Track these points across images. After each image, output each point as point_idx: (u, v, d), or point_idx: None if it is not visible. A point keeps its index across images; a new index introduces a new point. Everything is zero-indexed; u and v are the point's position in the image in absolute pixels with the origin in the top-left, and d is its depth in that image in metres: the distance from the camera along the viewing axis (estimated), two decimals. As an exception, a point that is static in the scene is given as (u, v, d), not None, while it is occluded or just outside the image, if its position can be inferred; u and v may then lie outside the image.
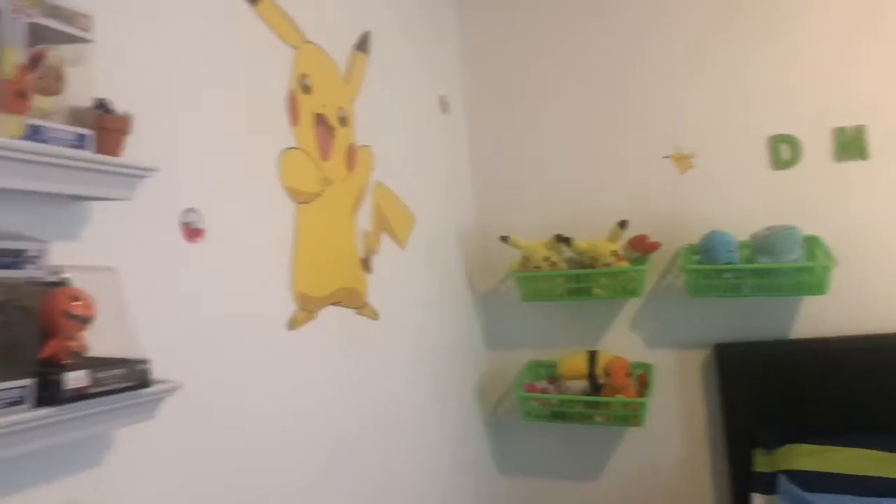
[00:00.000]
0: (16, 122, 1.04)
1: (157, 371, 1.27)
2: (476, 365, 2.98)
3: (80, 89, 1.20)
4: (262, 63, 1.87)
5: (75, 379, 1.10)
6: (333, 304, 2.07)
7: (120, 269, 1.33)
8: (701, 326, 2.75)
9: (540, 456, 3.02)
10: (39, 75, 1.10)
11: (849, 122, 2.59)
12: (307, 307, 1.94)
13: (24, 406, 1.05)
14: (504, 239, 2.78)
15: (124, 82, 1.40)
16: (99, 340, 1.21)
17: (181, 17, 1.61)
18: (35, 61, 1.09)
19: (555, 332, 2.96)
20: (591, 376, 2.72)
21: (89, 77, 1.20)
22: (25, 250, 1.05)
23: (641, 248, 2.71)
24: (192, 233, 1.56)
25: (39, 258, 1.07)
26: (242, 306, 1.71)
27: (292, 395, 1.86)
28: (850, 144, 2.59)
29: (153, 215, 1.46)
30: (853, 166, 2.59)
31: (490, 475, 3.01)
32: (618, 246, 2.65)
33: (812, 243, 2.52)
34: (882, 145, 2.56)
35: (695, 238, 2.64)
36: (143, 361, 1.22)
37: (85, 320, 1.15)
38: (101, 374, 1.14)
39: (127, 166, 1.23)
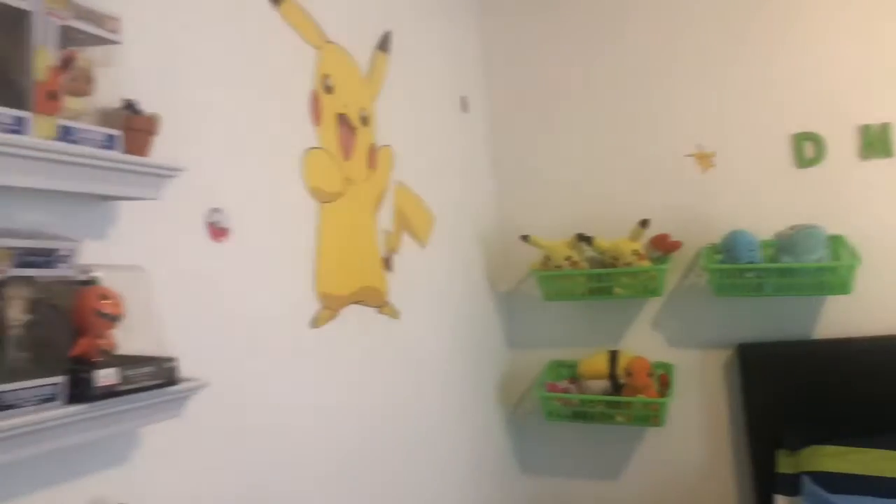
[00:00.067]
0: (48, 124, 1.05)
1: (182, 369, 1.29)
2: (497, 364, 2.98)
3: (109, 90, 1.22)
4: (284, 63, 1.88)
5: (105, 377, 1.11)
6: (355, 302, 2.08)
7: (147, 267, 1.34)
8: (723, 326, 2.74)
9: (561, 455, 3.01)
10: (70, 77, 1.12)
11: (874, 120, 2.56)
12: (330, 306, 1.96)
13: (57, 403, 1.07)
14: (525, 238, 2.78)
15: (149, 83, 1.42)
16: (127, 338, 1.22)
17: (205, 18, 1.62)
18: (66, 63, 1.11)
19: (576, 332, 2.95)
20: (612, 376, 2.71)
21: (118, 78, 1.22)
22: (57, 249, 1.06)
23: (663, 247, 2.70)
24: (218, 232, 1.57)
25: (71, 257, 1.09)
26: (266, 305, 1.72)
27: (315, 394, 1.87)
28: (875, 142, 2.56)
29: (179, 215, 1.48)
30: (878, 164, 2.56)
31: (511, 474, 3.01)
32: (639, 245, 2.64)
33: (836, 242, 2.49)
34: (908, 143, 2.53)
35: (717, 237, 2.63)
36: (170, 359, 1.24)
37: (114, 319, 1.17)
38: (130, 372, 1.16)
39: (154, 166, 1.25)
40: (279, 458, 1.72)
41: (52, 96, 1.06)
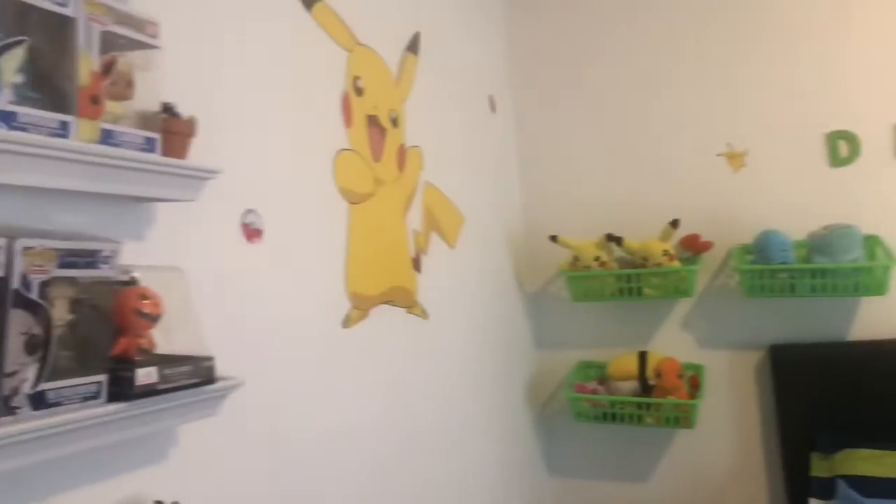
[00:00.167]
0: (91, 127, 1.07)
1: (218, 368, 1.30)
2: (525, 365, 2.98)
3: (148, 94, 1.24)
4: (317, 66, 1.90)
5: (145, 375, 1.13)
6: (385, 302, 2.09)
7: (183, 268, 1.36)
8: (755, 327, 2.71)
9: (589, 456, 3.00)
10: (111, 81, 1.14)
11: (910, 118, 2.52)
12: (360, 306, 1.97)
13: (98, 401, 1.09)
14: (553, 238, 2.77)
15: (185, 86, 1.43)
16: (165, 338, 1.24)
17: (240, 22, 1.64)
18: (107, 68, 1.13)
19: (604, 333, 2.94)
20: (642, 377, 2.69)
21: (157, 82, 1.24)
22: (100, 250, 1.08)
23: (693, 247, 2.68)
24: (252, 233, 1.59)
25: (112, 258, 1.11)
26: (299, 305, 1.74)
27: (346, 393, 1.88)
28: (912, 141, 2.52)
29: (215, 216, 1.50)
30: (915, 163, 2.52)
31: (539, 475, 3.00)
32: (669, 245, 2.62)
33: (872, 242, 2.46)
34: (946, 141, 2.49)
35: (748, 237, 2.60)
36: (208, 358, 1.25)
37: (154, 318, 1.19)
38: (168, 371, 1.17)
39: (193, 168, 1.27)
40: (310, 457, 1.73)
41: (95, 101, 1.08)
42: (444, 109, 2.55)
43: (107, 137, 1.11)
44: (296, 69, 1.81)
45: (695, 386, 2.67)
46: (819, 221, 2.47)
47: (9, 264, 0.97)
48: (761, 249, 2.49)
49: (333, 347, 1.85)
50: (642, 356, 2.72)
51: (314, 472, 1.74)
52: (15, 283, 0.97)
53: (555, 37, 3.06)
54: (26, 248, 0.98)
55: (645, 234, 2.68)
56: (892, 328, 2.52)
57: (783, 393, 2.61)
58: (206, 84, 1.52)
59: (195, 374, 1.22)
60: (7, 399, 0.97)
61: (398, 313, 2.15)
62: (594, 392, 2.75)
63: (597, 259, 2.69)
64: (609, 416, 2.71)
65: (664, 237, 2.63)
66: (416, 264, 2.28)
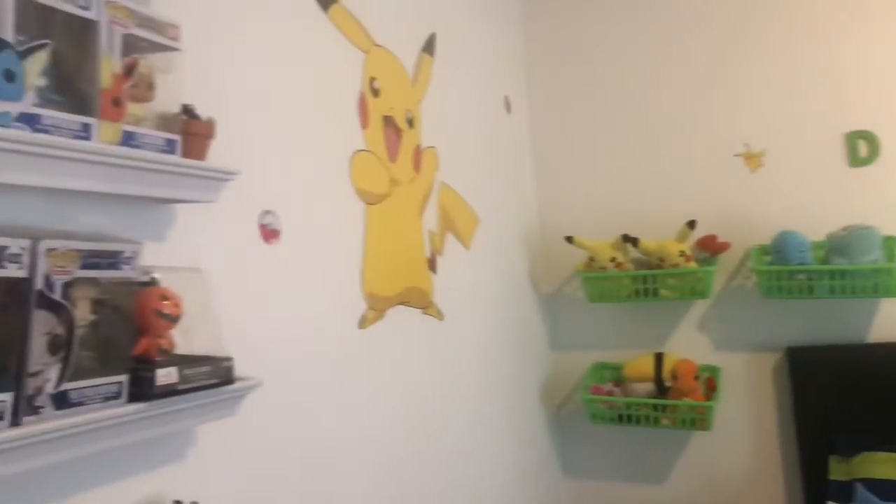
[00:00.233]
0: (113, 129, 1.08)
1: (235, 368, 1.31)
2: (540, 366, 2.97)
3: (168, 96, 1.25)
4: (334, 67, 1.90)
5: (165, 375, 1.14)
6: (401, 303, 2.09)
7: (202, 268, 1.37)
8: (772, 329, 2.69)
9: (604, 458, 2.99)
10: (133, 83, 1.14)
11: (931, 117, 2.49)
12: (376, 306, 1.97)
13: (120, 401, 1.10)
14: (569, 239, 2.76)
15: (204, 88, 1.44)
16: (185, 338, 1.25)
17: (257, 24, 1.65)
18: (129, 70, 1.13)
19: (620, 334, 2.92)
20: (658, 379, 2.68)
21: (177, 84, 1.24)
22: (122, 252, 1.09)
23: (710, 248, 2.66)
24: (269, 234, 1.60)
25: (134, 259, 1.11)
26: (315, 305, 1.74)
27: (362, 394, 1.89)
28: (932, 141, 2.49)
29: (233, 217, 1.51)
30: (935, 163, 2.49)
31: (554, 477, 2.99)
32: (686, 246, 2.61)
33: (891, 243, 2.43)
34: (966, 141, 2.46)
35: (766, 238, 2.58)
36: (227, 359, 1.26)
37: (174, 319, 1.20)
38: (188, 371, 1.18)
39: (212, 170, 1.27)
40: (327, 458, 1.74)
41: (117, 103, 1.09)
42: (459, 110, 2.55)
43: (128, 139, 1.12)
44: (312, 70, 1.82)
45: (711, 388, 2.65)
46: (838, 222, 2.45)
47: (32, 265, 0.98)
48: (779, 250, 2.47)
49: (349, 348, 1.85)
50: (658, 358, 2.71)
51: (330, 473, 1.74)
52: (38, 283, 0.98)
53: (571, 37, 3.05)
54: (49, 250, 0.99)
55: (661, 235, 2.67)
56: (912, 330, 2.50)
57: (801, 395, 2.59)
58: (223, 86, 1.53)
59: (214, 375, 1.23)
60: (31, 399, 0.98)
61: (414, 314, 2.15)
62: (610, 394, 2.74)
63: (613, 260, 2.68)
64: (625, 418, 2.70)
65: (681, 238, 2.61)
66: (432, 265, 2.28)
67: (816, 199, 2.62)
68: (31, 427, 0.97)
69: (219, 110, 1.40)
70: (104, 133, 1.07)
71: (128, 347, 1.14)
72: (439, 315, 2.27)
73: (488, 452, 2.49)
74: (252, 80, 1.61)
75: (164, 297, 1.19)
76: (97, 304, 1.09)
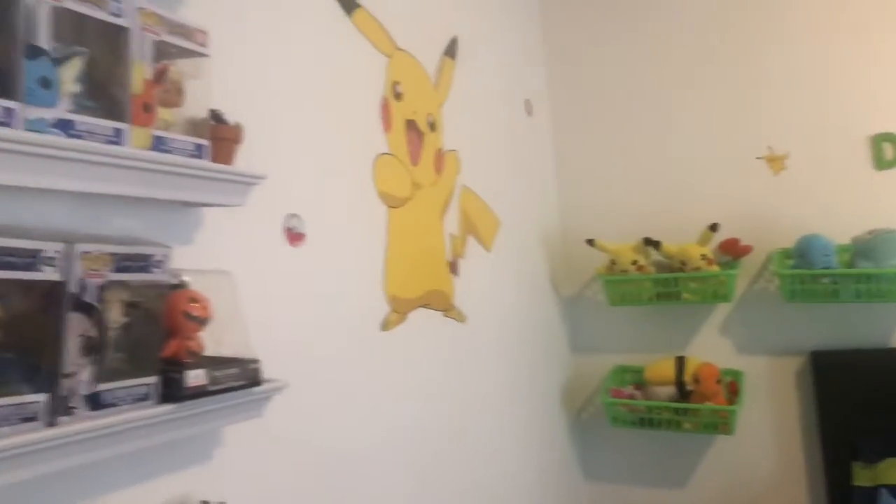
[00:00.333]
0: (144, 134, 1.10)
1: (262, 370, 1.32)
2: (561, 369, 2.97)
3: (196, 101, 1.26)
4: (357, 71, 1.92)
5: (195, 377, 1.16)
6: (423, 306, 2.10)
7: (229, 271, 1.39)
8: (796, 333, 2.66)
9: (625, 462, 2.98)
10: (163, 89, 1.16)
11: (958, 120, 2.46)
12: (399, 309, 1.98)
13: (150, 402, 1.11)
14: (590, 242, 2.76)
15: (229, 92, 1.46)
16: (213, 340, 1.27)
17: (282, 30, 1.67)
18: (159, 76, 1.15)
19: (641, 337, 2.91)
20: (679, 382, 2.66)
21: (206, 89, 1.26)
22: (153, 255, 1.11)
23: (733, 251, 2.64)
24: (295, 237, 1.61)
25: (164, 262, 1.13)
26: (339, 308, 1.76)
27: (385, 396, 1.89)
28: (959, 143, 2.46)
29: (259, 220, 1.52)
30: (963, 166, 2.46)
31: (574, 480, 2.99)
32: (708, 249, 2.60)
33: (918, 247, 2.40)
34: None
35: (789, 241, 2.56)
36: (254, 361, 1.27)
37: (202, 321, 1.21)
38: (217, 373, 1.19)
39: (240, 174, 1.29)
40: (349, 460, 1.75)
41: (148, 108, 1.11)
42: (480, 113, 2.56)
43: (158, 144, 1.13)
44: (336, 75, 1.83)
45: (733, 392, 2.63)
46: (863, 225, 2.43)
47: (67, 269, 0.99)
48: (803, 254, 2.45)
49: (372, 350, 1.86)
50: (680, 361, 2.69)
51: (353, 473, 1.75)
52: (73, 286, 1.00)
53: (591, 40, 3.05)
54: (84, 253, 1.01)
55: (683, 238, 2.66)
56: (939, 335, 2.47)
57: (825, 400, 2.56)
58: (248, 90, 1.54)
59: (242, 377, 1.24)
60: (65, 399, 0.99)
61: (435, 317, 2.16)
62: (631, 397, 2.73)
63: (634, 263, 2.67)
64: (646, 422, 2.69)
65: (703, 241, 2.60)
66: (453, 268, 2.28)
67: (841, 203, 2.59)
68: (66, 427, 0.99)
69: (244, 114, 1.42)
70: (136, 138, 1.09)
71: (157, 349, 1.16)
72: (461, 318, 2.28)
73: (509, 455, 2.49)
74: (277, 85, 1.63)
75: (193, 300, 1.20)
76: (128, 307, 1.11)
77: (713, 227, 2.58)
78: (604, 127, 3.01)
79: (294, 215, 1.62)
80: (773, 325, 2.71)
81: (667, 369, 2.70)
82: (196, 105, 1.25)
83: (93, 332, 1.03)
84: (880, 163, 2.56)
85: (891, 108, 2.54)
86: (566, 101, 3.09)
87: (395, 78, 2.05)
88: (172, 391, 1.14)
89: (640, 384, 2.79)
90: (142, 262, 1.10)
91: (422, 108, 2.18)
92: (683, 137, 2.86)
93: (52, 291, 0.99)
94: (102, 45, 1.08)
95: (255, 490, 1.48)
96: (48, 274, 0.97)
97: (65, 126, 0.99)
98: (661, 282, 2.67)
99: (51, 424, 0.98)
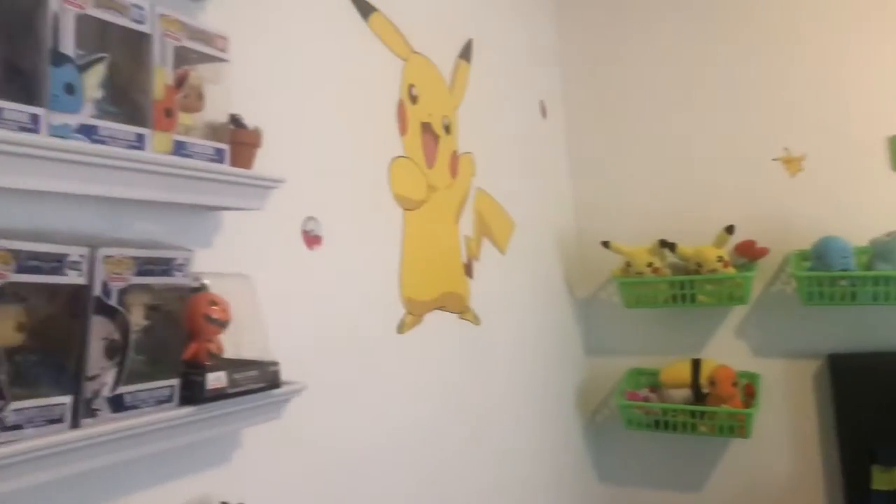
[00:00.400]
0: (165, 139, 1.11)
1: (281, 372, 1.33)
2: (575, 371, 2.97)
3: (217, 106, 1.28)
4: (373, 75, 1.93)
5: (215, 380, 1.17)
6: (438, 308, 2.10)
7: (248, 274, 1.40)
8: (813, 336, 2.65)
9: (640, 464, 2.97)
10: (184, 94, 1.17)
11: (977, 121, 2.44)
12: (414, 311, 1.99)
13: (171, 404, 1.12)
14: (605, 244, 2.76)
15: (247, 96, 1.47)
16: (233, 343, 1.28)
17: (300, 34, 1.68)
18: (180, 81, 1.17)
19: (657, 340, 2.90)
20: (695, 385, 2.65)
21: (225, 94, 1.27)
22: (174, 259, 1.12)
23: (749, 253, 2.63)
24: (312, 240, 1.62)
25: (185, 266, 1.14)
26: (356, 310, 1.76)
27: (401, 399, 1.90)
28: (979, 144, 2.44)
29: (277, 224, 1.53)
30: (983, 167, 2.44)
31: (589, 482, 2.98)
32: (724, 251, 2.58)
33: (937, 249, 2.38)
34: None
35: (806, 243, 2.55)
36: (273, 363, 1.28)
37: (222, 324, 1.22)
38: (237, 375, 1.20)
39: (259, 178, 1.30)
40: (366, 461, 1.75)
41: (169, 113, 1.12)
42: (495, 116, 2.56)
43: (179, 149, 1.14)
44: (353, 78, 1.84)
45: (750, 395, 2.62)
46: (881, 227, 2.41)
47: (91, 273, 1.01)
48: (820, 256, 2.43)
49: (389, 352, 1.87)
50: (696, 364, 2.68)
51: (369, 474, 1.76)
52: (96, 290, 1.01)
53: (606, 41, 3.04)
54: (107, 257, 1.02)
55: (699, 241, 2.65)
56: (959, 337, 2.45)
57: (842, 403, 2.54)
58: (266, 94, 1.55)
59: (262, 379, 1.25)
60: (89, 401, 1.01)
61: (451, 319, 2.17)
62: (646, 399, 2.72)
63: (650, 265, 2.67)
64: (661, 424, 2.68)
65: (719, 243, 2.59)
66: (469, 270, 2.29)
67: (858, 204, 2.58)
68: (90, 429, 1.00)
69: (262, 118, 1.43)
70: (157, 143, 1.10)
71: (178, 352, 1.17)
72: (476, 320, 2.28)
73: (524, 457, 2.49)
74: (294, 88, 1.64)
75: (213, 303, 1.21)
76: (150, 310, 1.12)
77: (729, 229, 2.56)
78: (618, 128, 3.01)
79: (311, 218, 1.63)
80: (790, 327, 2.69)
81: (682, 372, 2.69)
82: (216, 110, 1.27)
83: (116, 335, 1.04)
84: (898, 164, 2.54)
85: (909, 109, 2.52)
86: (580, 102, 3.08)
87: (410, 81, 2.06)
88: (193, 393, 1.15)
89: (656, 387, 2.78)
90: (164, 266, 1.11)
91: (437, 111, 2.18)
92: (699, 139, 2.85)
93: (77, 295, 1.01)
94: (125, 51, 1.10)
95: (274, 492, 1.49)
96: (73, 278, 0.99)
97: (88, 131, 1.00)
98: (677, 284, 2.66)
99: (75, 426, 0.99)
